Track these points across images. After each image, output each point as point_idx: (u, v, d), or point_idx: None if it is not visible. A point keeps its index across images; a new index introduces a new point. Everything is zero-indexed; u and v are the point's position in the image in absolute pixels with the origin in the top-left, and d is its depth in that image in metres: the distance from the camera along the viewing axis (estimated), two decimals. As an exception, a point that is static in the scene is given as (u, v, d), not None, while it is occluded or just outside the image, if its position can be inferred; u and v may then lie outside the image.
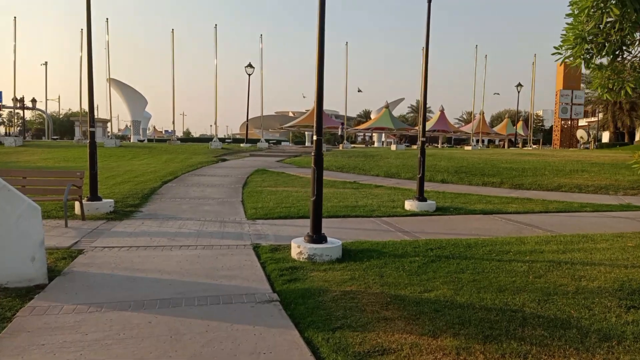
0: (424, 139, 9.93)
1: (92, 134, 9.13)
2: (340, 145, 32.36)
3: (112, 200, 9.14)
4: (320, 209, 5.91)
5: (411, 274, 4.88)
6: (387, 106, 50.17)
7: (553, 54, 4.87)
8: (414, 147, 35.10)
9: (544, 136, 44.97)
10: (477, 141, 48.25)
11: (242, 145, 31.05)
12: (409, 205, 9.70)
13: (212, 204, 10.16)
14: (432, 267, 5.12)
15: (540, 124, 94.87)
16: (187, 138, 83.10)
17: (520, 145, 67.85)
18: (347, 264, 5.38)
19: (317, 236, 5.82)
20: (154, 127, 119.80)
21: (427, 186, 13.63)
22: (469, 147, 33.00)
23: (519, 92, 38.03)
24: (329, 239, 5.93)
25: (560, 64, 5.17)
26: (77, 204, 8.35)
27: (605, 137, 59.08)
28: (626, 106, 44.74)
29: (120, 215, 8.59)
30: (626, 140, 52.04)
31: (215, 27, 28.86)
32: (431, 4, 9.64)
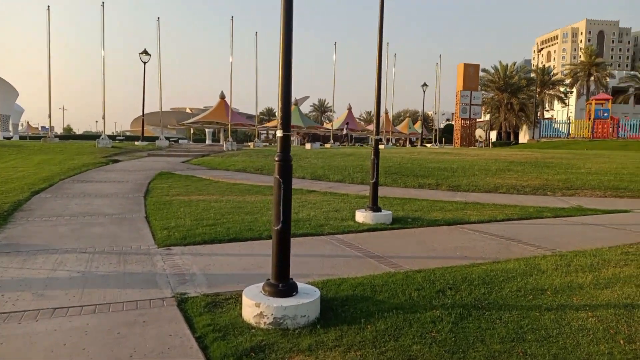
0: (379, 137, 8.29)
1: None
2: (251, 143, 30.08)
3: (-56, 226, 6.15)
4: (288, 242, 3.88)
5: (453, 351, 3.09)
6: (296, 103, 48.68)
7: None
8: (327, 145, 33.97)
9: (436, 135, 46.85)
10: (381, 140, 48.58)
11: (137, 143, 27.24)
12: (362, 216, 8.01)
13: (104, 224, 7.52)
14: (471, 332, 3.38)
15: (431, 124, 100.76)
16: (69, 135, 74.34)
17: (418, 143, 70.74)
18: (339, 330, 3.44)
19: (284, 285, 3.79)
20: (28, 122, 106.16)
21: (364, 189, 12.16)
22: (382, 146, 32.65)
23: (424, 92, 38.81)
24: (298, 284, 3.94)
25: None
26: None
27: (492, 136, 63.77)
28: (516, 107, 48.32)
29: (-43, 249, 5.71)
30: (512, 140, 56.52)
31: (102, 6, 24.64)
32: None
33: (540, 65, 79.28)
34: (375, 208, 8.11)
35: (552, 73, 63.46)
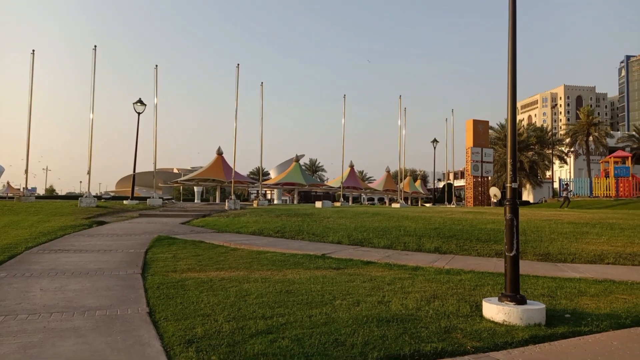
0: (515, 186, 5.47)
1: None
2: (255, 201, 27.12)
3: None
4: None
5: None
6: (297, 160, 46.28)
7: None
8: (337, 204, 31.11)
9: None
10: (377, 199, 45.96)
11: (126, 202, 24.05)
12: (501, 312, 5.00)
13: (81, 331, 4.42)
14: None
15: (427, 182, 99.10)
16: (50, 196, 70.58)
17: (420, 203, 68.39)
18: None
19: None
20: (8, 182, 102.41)
21: (434, 259, 9.20)
22: (397, 205, 29.93)
23: (434, 147, 36.81)
24: None
25: None
26: None
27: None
28: (527, 165, 46.63)
29: None
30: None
31: (95, 49, 22.32)
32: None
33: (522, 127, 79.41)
34: (518, 298, 5.13)
35: (549, 133, 63.00)
